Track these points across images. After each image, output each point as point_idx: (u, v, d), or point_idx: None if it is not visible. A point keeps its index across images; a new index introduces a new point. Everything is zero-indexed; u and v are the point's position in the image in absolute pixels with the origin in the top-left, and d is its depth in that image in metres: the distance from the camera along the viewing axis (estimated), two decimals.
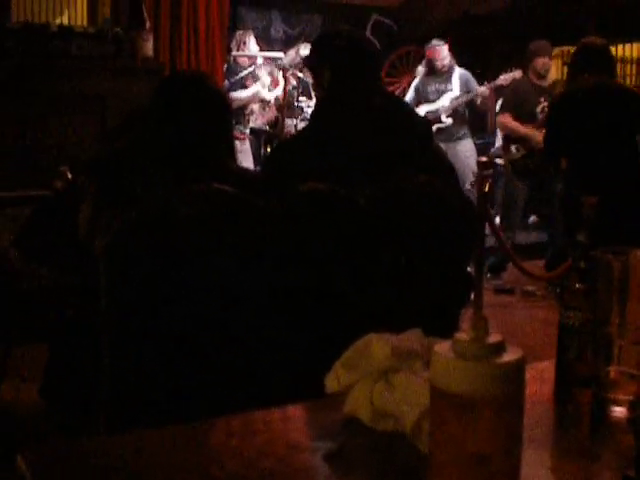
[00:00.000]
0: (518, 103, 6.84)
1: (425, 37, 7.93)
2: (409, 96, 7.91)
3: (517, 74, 7.65)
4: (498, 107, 8.81)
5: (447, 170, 3.01)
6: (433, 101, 7.72)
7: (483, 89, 7.67)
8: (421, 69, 7.97)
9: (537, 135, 6.69)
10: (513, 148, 6.85)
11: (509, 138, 6.93)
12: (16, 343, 3.50)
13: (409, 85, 8.36)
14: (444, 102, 7.70)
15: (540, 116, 6.81)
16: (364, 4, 9.93)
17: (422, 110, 7.55)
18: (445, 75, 7.76)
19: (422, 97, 7.78)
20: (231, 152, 2.77)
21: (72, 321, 2.74)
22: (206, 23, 6.38)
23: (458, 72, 7.80)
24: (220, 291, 2.19)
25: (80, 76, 5.26)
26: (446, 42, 7.73)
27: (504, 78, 7.74)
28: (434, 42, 7.73)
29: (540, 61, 6.85)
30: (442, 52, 7.68)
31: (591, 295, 1.37)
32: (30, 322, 3.21)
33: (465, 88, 7.74)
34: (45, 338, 2.93)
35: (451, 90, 7.73)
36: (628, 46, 9.81)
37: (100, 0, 6.26)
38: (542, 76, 6.92)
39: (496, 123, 7.09)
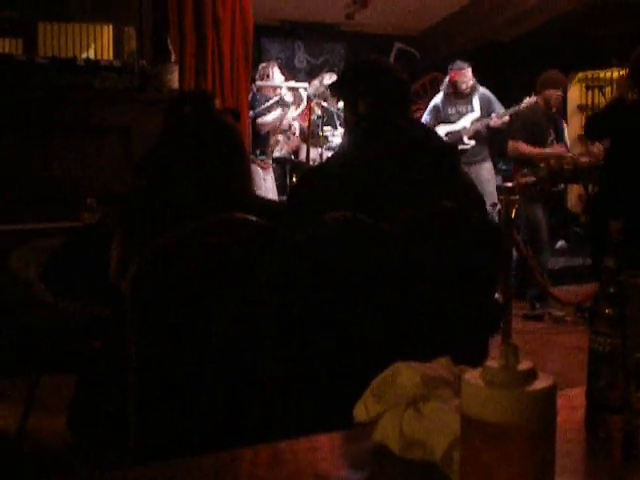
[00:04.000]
0: (529, 129, 6.95)
1: (448, 64, 7.94)
2: (427, 116, 7.87)
3: (533, 99, 7.69)
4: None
5: (475, 198, 3.00)
6: (453, 122, 7.71)
7: (503, 112, 7.66)
8: (442, 90, 7.95)
9: (556, 151, 6.76)
10: (524, 172, 6.87)
11: (519, 162, 6.97)
12: (43, 374, 3.51)
13: None
14: (465, 123, 7.68)
15: (550, 143, 6.91)
16: (386, 33, 9.99)
17: (442, 130, 7.53)
18: (467, 96, 7.75)
19: (442, 118, 7.76)
20: (251, 180, 2.78)
21: (99, 353, 2.74)
22: (230, 55, 6.42)
23: (479, 93, 7.79)
24: (245, 320, 2.18)
25: (106, 109, 5.30)
26: (470, 64, 7.73)
27: (525, 103, 7.76)
28: (458, 63, 7.72)
29: (549, 93, 7.00)
30: (467, 74, 7.68)
31: (621, 320, 1.35)
32: (57, 354, 3.22)
33: (487, 109, 7.73)
34: (72, 370, 2.94)
35: (472, 111, 7.72)
36: None
37: (126, 34, 6.33)
38: (552, 107, 7.06)
39: (509, 148, 7.10)
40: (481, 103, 7.75)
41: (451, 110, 7.77)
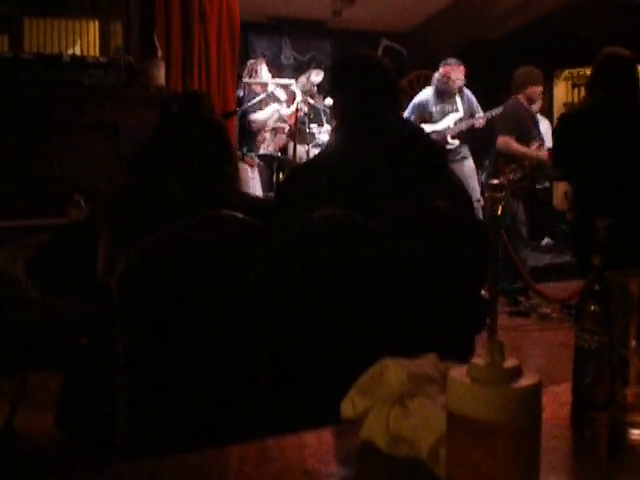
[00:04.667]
0: (517, 125, 6.94)
1: (435, 62, 7.94)
2: (409, 112, 7.81)
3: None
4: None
5: (463, 196, 3.00)
6: (436, 121, 7.71)
7: (487, 113, 7.68)
8: (433, 86, 7.89)
9: (540, 155, 6.77)
10: (512, 167, 6.87)
11: (506, 159, 6.94)
12: (31, 372, 3.50)
13: None
14: (449, 123, 7.69)
15: (534, 141, 6.92)
16: (373, 29, 9.97)
17: (425, 129, 7.54)
18: (452, 96, 7.75)
19: (426, 115, 7.75)
20: (238, 178, 2.79)
21: (87, 350, 2.74)
22: (217, 51, 6.41)
23: (464, 94, 7.80)
24: (234, 318, 2.19)
25: (93, 105, 5.29)
26: (461, 63, 7.74)
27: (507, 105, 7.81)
28: (451, 60, 7.71)
29: (531, 90, 6.99)
30: (462, 70, 7.68)
31: (606, 317, 1.36)
32: (45, 351, 3.21)
33: (469, 110, 7.74)
34: (60, 367, 2.93)
35: (457, 111, 7.73)
36: None
37: (112, 30, 6.32)
38: (534, 102, 7.07)
39: (499, 144, 7.08)
40: (465, 104, 7.77)
41: (436, 108, 7.76)
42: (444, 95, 7.74)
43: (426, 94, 7.90)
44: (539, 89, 7.06)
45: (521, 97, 7.02)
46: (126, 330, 2.13)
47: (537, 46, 9.23)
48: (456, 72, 7.67)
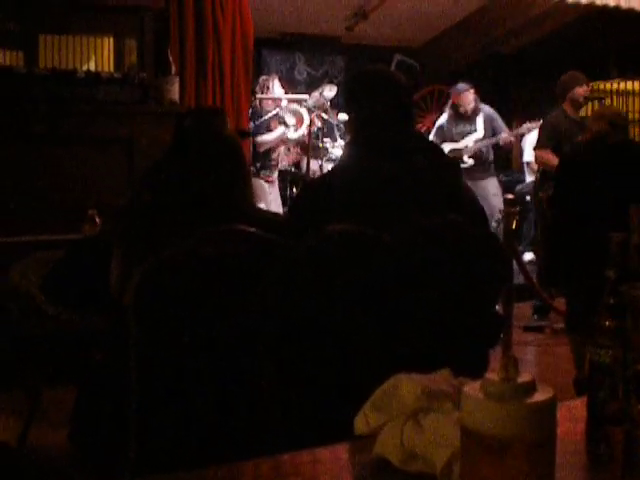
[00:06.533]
0: (555, 137, 6.67)
1: (448, 76, 7.97)
2: (433, 134, 7.95)
3: (533, 125, 7.67)
4: (526, 142, 8.79)
5: (477, 210, 3.00)
6: (457, 142, 7.77)
7: (506, 136, 7.69)
8: (446, 111, 8.05)
9: None
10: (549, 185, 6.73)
11: (546, 174, 6.75)
12: (45, 386, 3.51)
13: (433, 124, 8.41)
14: (468, 142, 7.74)
15: None
16: (386, 45, 10.00)
17: (446, 148, 7.58)
18: (470, 117, 7.79)
19: (447, 137, 7.83)
20: (251, 194, 2.79)
21: (101, 365, 2.74)
22: (231, 67, 6.43)
23: (483, 113, 7.81)
24: (247, 331, 2.18)
25: (107, 121, 5.32)
26: (472, 87, 7.73)
27: (527, 127, 7.77)
28: (459, 86, 7.74)
29: (579, 90, 6.70)
30: (467, 97, 7.72)
31: (621, 332, 1.35)
32: (58, 366, 3.22)
33: (490, 128, 7.76)
34: (74, 382, 2.94)
35: (476, 131, 7.76)
36: None
37: (126, 46, 6.34)
38: (580, 106, 6.79)
39: (535, 158, 6.97)
40: (485, 123, 7.78)
41: (455, 130, 7.86)
42: (460, 118, 7.80)
43: (442, 119, 8.08)
44: (582, 90, 6.75)
45: (566, 105, 6.76)
46: (140, 344, 2.14)
47: (550, 60, 9.23)
48: (464, 98, 7.74)
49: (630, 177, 4.55)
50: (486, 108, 7.88)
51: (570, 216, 4.70)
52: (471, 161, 7.70)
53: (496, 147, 7.89)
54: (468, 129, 7.81)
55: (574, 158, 4.99)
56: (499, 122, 7.84)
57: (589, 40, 9.23)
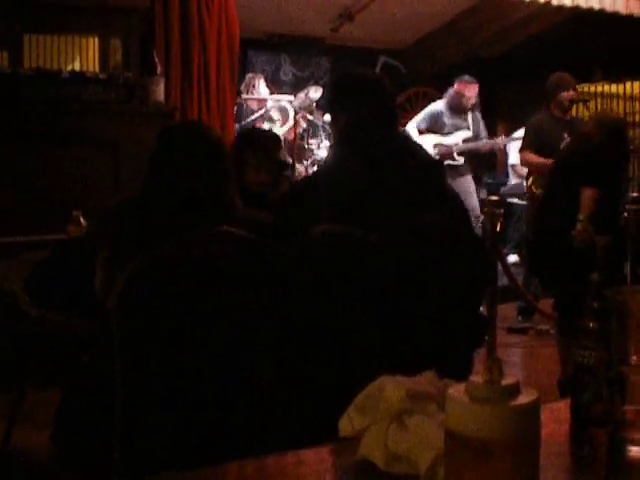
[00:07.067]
0: (540, 139, 6.61)
1: (433, 78, 7.96)
2: (422, 122, 7.80)
3: (504, 140, 7.74)
4: (511, 145, 8.80)
5: (461, 212, 3.01)
6: (448, 133, 7.69)
7: (501, 141, 7.71)
8: (445, 99, 7.85)
9: None
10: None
11: (532, 175, 6.73)
12: (29, 388, 3.49)
13: None
14: (457, 140, 7.68)
15: None
16: (372, 46, 10.01)
17: (431, 140, 7.51)
18: (465, 112, 7.75)
19: (438, 126, 7.72)
20: (237, 194, 2.78)
21: (86, 366, 2.74)
22: (217, 67, 6.42)
23: (474, 113, 7.81)
24: (233, 334, 2.18)
25: (92, 121, 5.30)
26: (476, 81, 7.72)
27: (499, 142, 7.84)
28: (467, 78, 7.68)
29: (565, 94, 6.59)
30: (474, 90, 7.65)
31: (605, 334, 1.36)
32: (43, 367, 3.21)
33: (477, 131, 7.75)
34: (58, 383, 2.93)
35: (467, 128, 7.73)
36: (636, 84, 9.87)
37: (111, 46, 6.34)
38: (566, 109, 6.69)
39: (520, 160, 6.97)
40: (474, 123, 7.77)
41: (448, 121, 7.73)
42: (457, 110, 7.73)
43: (440, 105, 7.88)
44: (569, 93, 6.65)
45: (553, 106, 6.67)
46: (125, 347, 2.13)
47: (535, 63, 9.26)
48: (470, 90, 7.64)
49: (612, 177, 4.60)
50: (477, 110, 7.87)
51: (559, 218, 4.73)
52: (461, 159, 7.68)
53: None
54: (459, 123, 7.74)
55: (563, 159, 5.01)
56: (482, 127, 7.85)
57: (574, 43, 9.27)
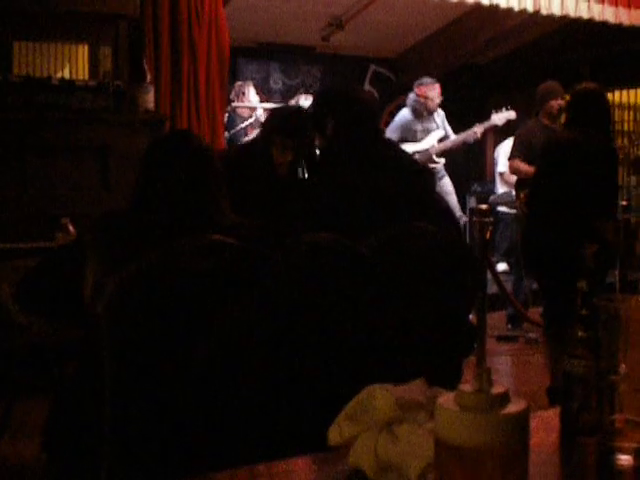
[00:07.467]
0: (528, 147, 6.58)
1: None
2: (393, 133, 7.67)
3: (511, 114, 7.66)
4: (500, 153, 8.80)
5: (450, 219, 3.02)
6: (420, 140, 7.67)
7: (478, 129, 7.68)
8: (409, 106, 7.82)
9: None
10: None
11: (522, 183, 6.73)
12: (18, 397, 3.48)
13: None
14: (432, 141, 7.67)
15: None
16: (362, 55, 10.03)
17: (408, 149, 7.50)
18: (431, 114, 7.73)
19: (409, 135, 7.68)
20: (228, 204, 2.78)
21: (74, 375, 2.73)
22: (206, 75, 6.42)
23: (440, 113, 7.80)
24: (222, 343, 2.18)
25: (81, 129, 5.30)
26: (437, 81, 7.71)
27: (497, 117, 7.76)
28: (426, 80, 7.67)
29: (554, 103, 6.64)
30: (435, 91, 7.63)
31: (594, 343, 1.36)
32: (32, 376, 3.20)
33: (443, 126, 7.75)
34: (47, 392, 2.92)
35: (438, 128, 7.72)
36: (625, 92, 9.91)
37: (101, 54, 6.33)
38: (555, 118, 6.71)
39: (508, 169, 6.98)
40: (441, 120, 7.78)
41: (418, 127, 7.71)
42: (424, 114, 7.71)
43: (406, 113, 7.82)
44: (558, 102, 6.67)
45: (542, 115, 6.72)
46: (113, 356, 2.12)
47: (525, 71, 9.30)
48: (432, 91, 7.63)
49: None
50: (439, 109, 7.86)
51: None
52: (442, 160, 7.66)
53: (470, 152, 7.88)
54: (428, 126, 7.72)
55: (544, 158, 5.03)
56: (447, 124, 7.84)
57: (563, 52, 9.31)
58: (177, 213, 2.56)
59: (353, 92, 3.13)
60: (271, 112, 4.40)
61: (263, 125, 4.22)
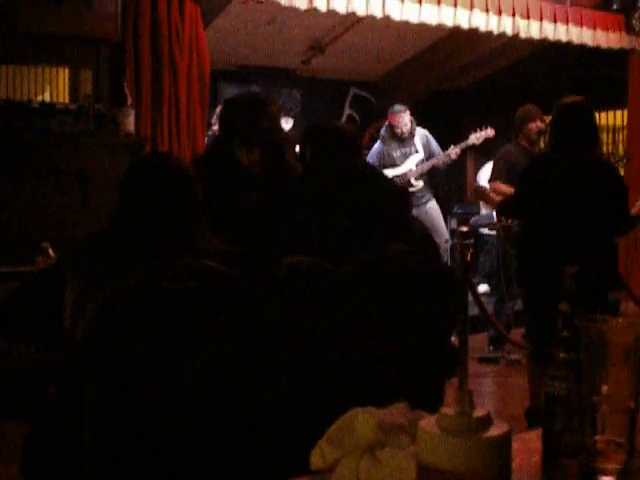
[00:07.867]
0: (509, 169, 6.57)
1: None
2: (372, 160, 7.78)
3: (489, 133, 7.69)
4: (482, 176, 8.82)
5: (429, 241, 3.03)
6: (399, 165, 7.72)
7: (454, 150, 7.70)
8: (381, 134, 7.94)
9: None
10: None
11: (502, 205, 6.70)
12: None
13: None
14: (410, 165, 7.71)
15: None
16: (343, 78, 10.07)
17: (388, 174, 7.54)
18: (408, 139, 7.77)
19: (388, 162, 7.74)
20: (207, 226, 2.77)
21: (54, 399, 2.71)
22: (187, 98, 6.41)
23: (419, 134, 7.82)
24: (203, 365, 2.17)
25: (62, 152, 5.28)
26: (407, 108, 7.75)
27: (475, 137, 7.80)
28: (396, 108, 7.72)
29: (532, 126, 6.67)
30: (404, 118, 7.68)
31: (575, 364, 1.36)
32: (10, 399, 3.17)
33: (428, 150, 7.77)
34: (26, 416, 2.89)
35: (417, 152, 7.75)
36: (604, 114, 9.99)
37: (82, 77, 6.32)
38: (534, 141, 6.76)
39: (489, 190, 6.99)
40: (422, 143, 7.80)
41: (396, 153, 7.77)
42: (398, 140, 7.77)
43: (379, 143, 7.96)
44: (537, 124, 6.71)
45: (521, 138, 6.75)
46: (93, 379, 2.11)
47: (505, 94, 9.36)
48: (400, 119, 7.68)
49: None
50: (420, 130, 7.87)
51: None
52: (420, 183, 7.68)
53: (447, 174, 7.89)
54: (408, 150, 7.76)
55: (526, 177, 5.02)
56: (433, 143, 7.86)
57: (543, 75, 9.37)
58: (157, 233, 2.56)
59: (331, 124, 3.23)
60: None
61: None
